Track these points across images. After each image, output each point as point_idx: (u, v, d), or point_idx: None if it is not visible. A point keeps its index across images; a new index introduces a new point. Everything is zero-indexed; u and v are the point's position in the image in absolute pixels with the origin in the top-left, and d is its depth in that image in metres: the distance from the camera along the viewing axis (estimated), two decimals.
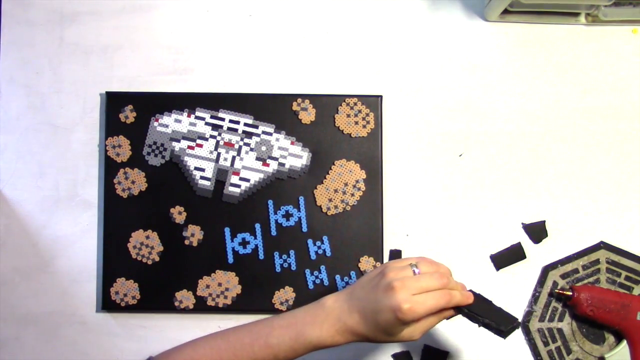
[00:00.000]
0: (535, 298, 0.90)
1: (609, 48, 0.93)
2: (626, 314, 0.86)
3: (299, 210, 0.89)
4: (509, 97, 0.93)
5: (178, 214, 0.89)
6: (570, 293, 0.87)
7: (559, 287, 0.89)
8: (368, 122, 0.90)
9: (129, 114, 0.90)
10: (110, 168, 0.90)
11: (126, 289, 0.89)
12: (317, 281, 0.88)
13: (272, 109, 0.90)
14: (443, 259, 0.89)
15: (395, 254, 0.90)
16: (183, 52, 0.93)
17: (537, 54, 0.93)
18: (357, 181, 0.89)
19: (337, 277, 0.88)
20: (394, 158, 0.91)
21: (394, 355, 0.89)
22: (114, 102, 0.90)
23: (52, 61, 0.92)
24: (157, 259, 0.89)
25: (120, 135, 0.90)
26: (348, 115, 0.90)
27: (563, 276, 0.90)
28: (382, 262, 0.89)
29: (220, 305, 0.88)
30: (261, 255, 0.89)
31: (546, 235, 0.91)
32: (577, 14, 0.93)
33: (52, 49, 0.92)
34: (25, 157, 0.91)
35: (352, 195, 0.89)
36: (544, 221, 0.91)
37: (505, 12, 0.91)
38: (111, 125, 0.90)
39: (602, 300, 0.86)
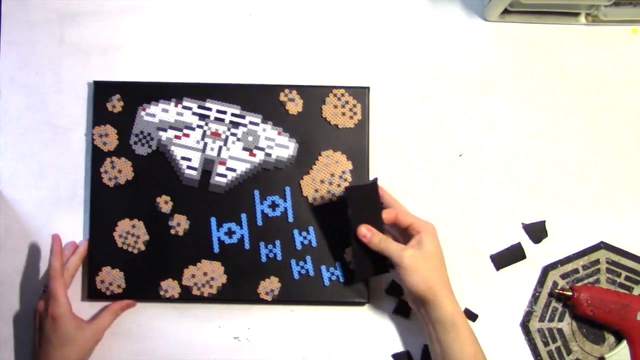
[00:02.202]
0: (535, 298, 0.89)
1: (609, 48, 0.93)
2: (626, 314, 0.85)
3: (285, 201, 0.89)
4: (509, 97, 0.92)
5: (164, 203, 0.89)
6: (570, 293, 0.87)
7: (559, 287, 0.89)
8: (355, 114, 0.90)
9: (116, 103, 0.90)
10: (97, 157, 0.89)
11: (112, 277, 0.88)
12: (303, 271, 0.88)
13: (259, 99, 0.90)
14: None
15: None
16: (183, 52, 0.93)
17: (537, 54, 0.93)
18: (343, 172, 0.89)
19: (323, 267, 0.88)
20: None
21: (394, 356, 0.89)
22: (101, 91, 0.90)
23: (52, 61, 0.93)
24: (142, 248, 0.89)
25: (107, 125, 0.90)
26: (335, 106, 0.90)
27: (563, 276, 0.89)
28: None
29: (206, 295, 0.88)
30: (247, 245, 0.88)
31: (546, 235, 0.90)
32: (577, 14, 0.93)
33: (52, 49, 0.93)
34: (25, 157, 0.92)
35: (339, 186, 0.89)
36: (544, 221, 0.91)
37: (505, 12, 0.91)
38: (98, 114, 0.90)
39: (602, 300, 0.86)
